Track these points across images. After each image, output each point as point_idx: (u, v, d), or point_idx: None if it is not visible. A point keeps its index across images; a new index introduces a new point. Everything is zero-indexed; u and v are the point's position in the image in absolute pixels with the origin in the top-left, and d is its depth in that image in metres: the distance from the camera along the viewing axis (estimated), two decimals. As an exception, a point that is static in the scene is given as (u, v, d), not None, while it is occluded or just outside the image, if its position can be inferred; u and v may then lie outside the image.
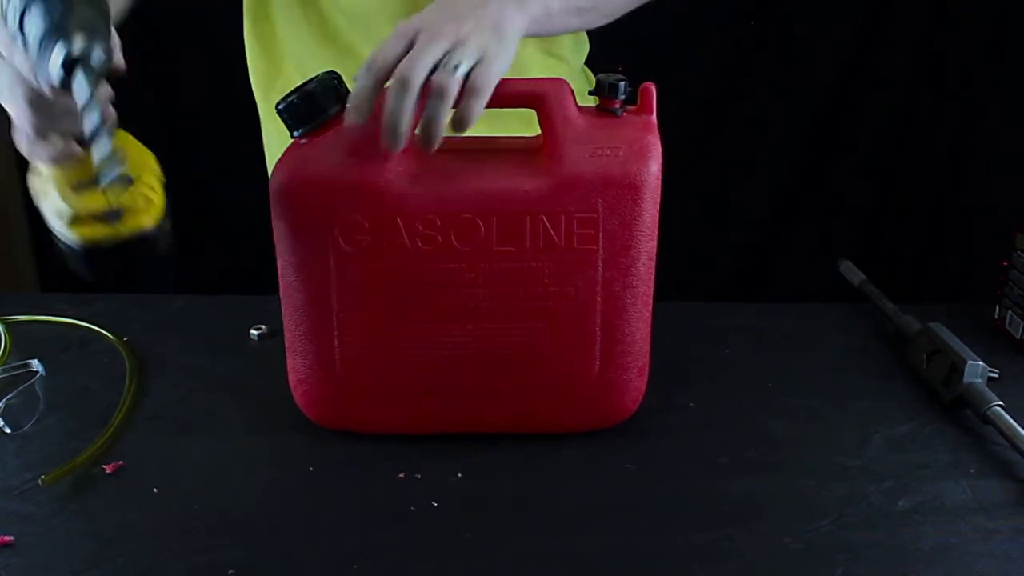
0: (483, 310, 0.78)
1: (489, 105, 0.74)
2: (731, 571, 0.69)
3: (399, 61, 0.70)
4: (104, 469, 0.79)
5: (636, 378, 0.83)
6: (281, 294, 0.80)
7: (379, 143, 0.71)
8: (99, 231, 0.70)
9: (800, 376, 0.94)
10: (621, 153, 0.75)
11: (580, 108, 0.77)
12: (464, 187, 0.76)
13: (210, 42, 1.80)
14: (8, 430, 0.83)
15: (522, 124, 0.82)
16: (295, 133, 0.76)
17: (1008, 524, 0.74)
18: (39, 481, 0.76)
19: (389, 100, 0.69)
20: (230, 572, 0.68)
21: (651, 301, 0.81)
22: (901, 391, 0.92)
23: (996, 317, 1.02)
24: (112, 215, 0.69)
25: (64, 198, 0.71)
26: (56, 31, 0.56)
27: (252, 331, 1.00)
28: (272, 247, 0.79)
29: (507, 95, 0.76)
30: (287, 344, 0.82)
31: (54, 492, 0.76)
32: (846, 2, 1.80)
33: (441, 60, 0.69)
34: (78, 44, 0.56)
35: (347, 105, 0.72)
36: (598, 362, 0.81)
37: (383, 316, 0.79)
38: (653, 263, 0.79)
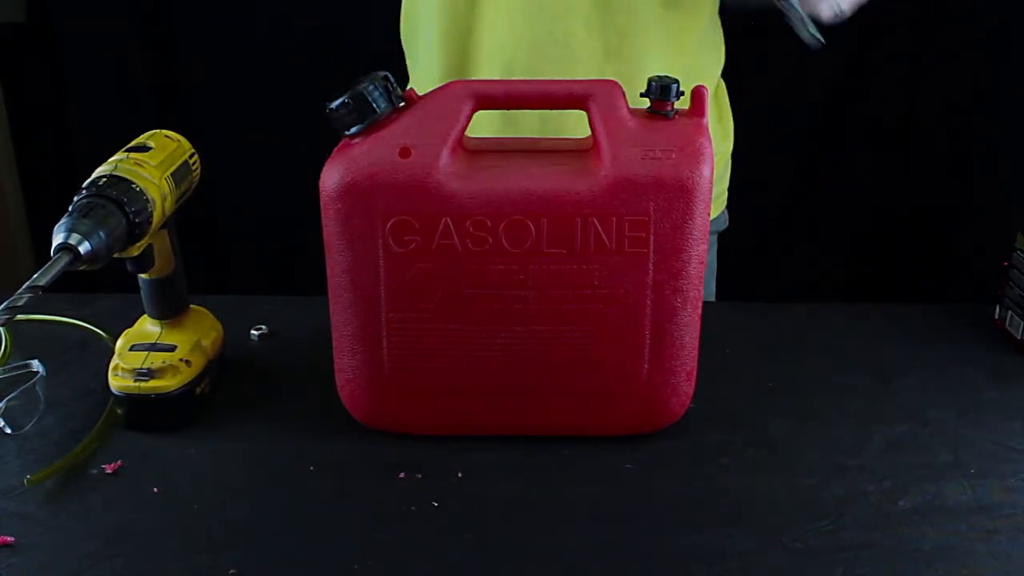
0: (532, 312, 0.78)
1: (538, 106, 0.74)
2: (731, 571, 0.69)
3: None
4: (104, 469, 0.79)
5: (684, 382, 0.82)
6: (329, 294, 0.80)
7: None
8: (127, 384, 0.83)
9: (800, 376, 0.94)
10: (673, 156, 0.74)
11: (631, 110, 0.76)
12: (515, 188, 0.75)
13: (213, 41, 1.80)
14: (9, 430, 0.83)
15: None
16: (346, 133, 0.76)
17: (1008, 524, 0.74)
18: (24, 481, 0.76)
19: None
20: (231, 572, 0.68)
21: (700, 304, 0.80)
22: (901, 391, 0.92)
23: (996, 317, 1.02)
24: (142, 374, 0.83)
25: (117, 351, 0.86)
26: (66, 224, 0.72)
27: (252, 331, 1.00)
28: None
29: (557, 96, 0.76)
30: (334, 344, 0.82)
31: (54, 492, 0.76)
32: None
33: None
34: (72, 238, 0.71)
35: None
36: (647, 365, 0.80)
37: (432, 317, 0.78)
38: (703, 266, 0.79)
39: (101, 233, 0.72)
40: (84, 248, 0.70)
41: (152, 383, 0.83)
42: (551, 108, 0.76)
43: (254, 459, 0.81)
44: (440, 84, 0.78)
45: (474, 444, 0.82)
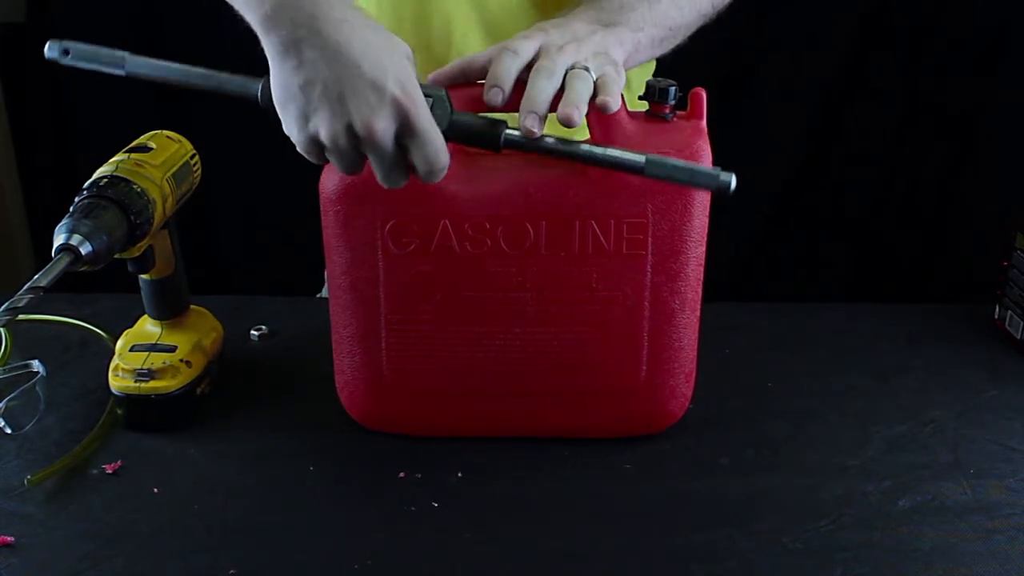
0: (530, 314, 0.78)
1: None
2: (731, 571, 0.69)
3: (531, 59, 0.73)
4: (104, 469, 0.79)
5: (683, 384, 0.82)
6: (329, 295, 0.80)
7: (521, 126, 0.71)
8: (127, 384, 0.83)
9: (800, 376, 0.94)
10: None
11: (630, 113, 0.76)
12: (513, 190, 0.75)
13: (212, 39, 1.80)
14: (9, 430, 0.83)
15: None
16: None
17: (1008, 524, 0.74)
18: (25, 482, 0.76)
19: (535, 84, 0.70)
20: (230, 572, 0.68)
21: (699, 307, 0.80)
22: (901, 391, 0.92)
23: (996, 317, 1.02)
24: (142, 374, 0.83)
25: (118, 351, 0.86)
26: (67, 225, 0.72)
27: (252, 331, 1.00)
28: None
29: (557, 99, 0.75)
30: (334, 345, 0.82)
31: (54, 492, 0.76)
32: (846, 2, 1.80)
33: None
34: (73, 238, 0.71)
35: (488, 85, 0.72)
36: (645, 367, 0.80)
37: (431, 318, 0.79)
38: (702, 268, 0.79)
39: (102, 234, 0.72)
40: (85, 249, 0.71)
41: (152, 384, 0.83)
42: (550, 112, 0.76)
43: (254, 459, 0.81)
44: None
45: (474, 444, 0.82)
